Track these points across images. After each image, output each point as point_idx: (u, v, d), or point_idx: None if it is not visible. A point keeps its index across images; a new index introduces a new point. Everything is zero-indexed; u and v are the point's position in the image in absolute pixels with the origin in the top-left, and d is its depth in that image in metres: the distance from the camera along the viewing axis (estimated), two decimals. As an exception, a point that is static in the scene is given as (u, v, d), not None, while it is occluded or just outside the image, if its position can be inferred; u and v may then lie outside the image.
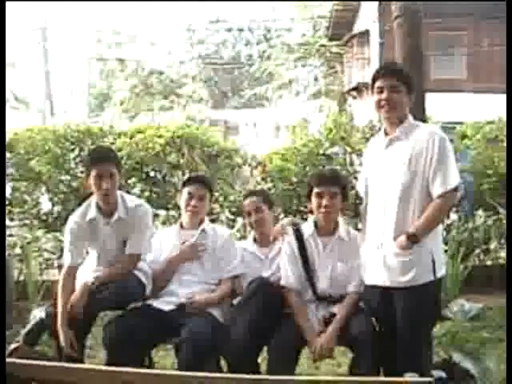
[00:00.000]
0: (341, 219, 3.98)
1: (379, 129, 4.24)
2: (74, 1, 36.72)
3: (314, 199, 3.84)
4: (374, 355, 3.48)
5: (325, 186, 3.82)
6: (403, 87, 3.59)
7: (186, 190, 4.21)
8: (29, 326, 3.84)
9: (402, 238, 3.46)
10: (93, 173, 3.95)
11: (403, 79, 3.62)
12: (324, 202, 3.79)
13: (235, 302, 4.05)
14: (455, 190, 3.50)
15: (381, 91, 3.60)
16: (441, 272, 3.59)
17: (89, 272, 4.11)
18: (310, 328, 3.72)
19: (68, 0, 35.91)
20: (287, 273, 3.90)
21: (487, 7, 17.98)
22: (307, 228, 3.94)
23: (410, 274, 3.47)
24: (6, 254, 6.06)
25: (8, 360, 2.96)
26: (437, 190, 3.46)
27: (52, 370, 2.86)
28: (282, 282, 3.91)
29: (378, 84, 3.62)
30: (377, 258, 3.57)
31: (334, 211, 3.84)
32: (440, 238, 3.70)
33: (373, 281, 3.62)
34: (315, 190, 3.84)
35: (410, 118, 3.66)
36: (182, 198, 4.23)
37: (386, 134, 3.67)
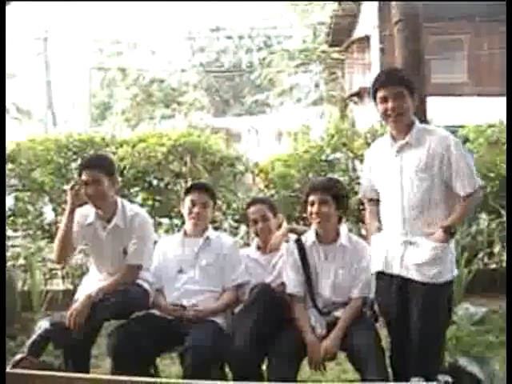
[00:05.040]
0: (343, 226, 3.99)
1: (382, 134, 4.21)
2: (76, 0, 36.59)
3: (308, 207, 3.87)
4: (377, 370, 3.47)
5: (315, 193, 3.84)
6: (406, 92, 3.56)
7: (188, 198, 4.22)
8: (33, 337, 3.83)
9: (440, 232, 3.48)
10: (81, 179, 4.02)
11: (405, 84, 3.59)
12: (315, 209, 3.81)
13: (237, 309, 4.05)
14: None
15: (385, 100, 3.56)
16: (455, 271, 3.65)
17: (93, 281, 4.13)
18: (311, 335, 3.72)
19: (70, 0, 35.78)
20: (290, 280, 3.91)
21: (487, 10, 18.00)
22: (309, 237, 3.94)
23: (436, 268, 3.50)
24: (10, 264, 6.07)
25: (13, 371, 2.96)
26: (465, 189, 3.49)
27: (57, 381, 2.85)
28: (287, 290, 3.91)
29: (380, 94, 3.59)
30: (402, 254, 3.59)
31: (326, 218, 3.84)
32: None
33: (393, 270, 3.62)
34: (309, 198, 3.87)
35: (417, 121, 3.65)
36: (185, 206, 4.24)
37: (393, 139, 3.65)
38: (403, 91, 3.56)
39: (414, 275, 3.54)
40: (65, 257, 4.18)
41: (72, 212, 4.02)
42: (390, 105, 3.54)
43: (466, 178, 3.49)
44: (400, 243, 3.59)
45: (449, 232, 3.49)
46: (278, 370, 3.57)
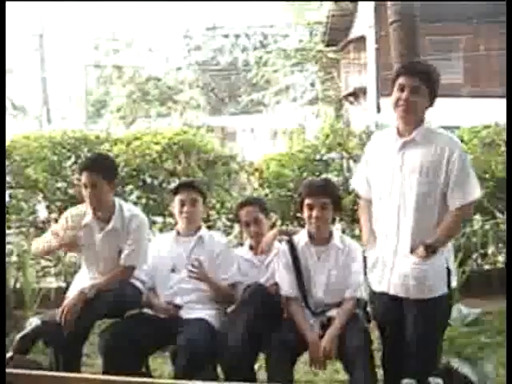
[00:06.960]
0: (335, 228, 3.97)
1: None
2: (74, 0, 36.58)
3: (305, 210, 3.81)
4: (367, 371, 3.47)
5: (315, 197, 3.78)
6: (426, 90, 3.42)
7: (177, 198, 4.19)
8: (22, 333, 3.81)
9: (421, 249, 3.37)
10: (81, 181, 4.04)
11: (427, 81, 3.43)
12: (314, 213, 3.76)
13: (230, 309, 4.04)
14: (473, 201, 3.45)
15: (401, 89, 3.41)
16: (454, 282, 3.53)
17: (85, 279, 4.11)
18: (311, 333, 3.71)
19: (67, 0, 35.79)
20: (284, 281, 3.88)
21: (484, 11, 18.02)
22: (301, 237, 3.91)
23: (426, 285, 3.40)
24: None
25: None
26: (455, 201, 3.38)
27: (48, 380, 2.84)
28: (282, 292, 3.90)
29: (400, 81, 3.44)
30: (391, 266, 3.49)
31: (325, 222, 3.82)
32: (451, 246, 3.61)
33: (384, 288, 3.54)
34: (306, 200, 3.80)
35: (426, 122, 3.52)
36: (175, 206, 4.21)
37: (399, 134, 3.50)
38: (422, 87, 3.41)
39: (404, 292, 3.47)
40: (45, 256, 4.28)
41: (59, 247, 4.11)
42: (404, 95, 3.40)
43: (462, 190, 3.37)
44: (390, 257, 3.49)
45: (430, 250, 3.36)
46: (275, 370, 3.57)
